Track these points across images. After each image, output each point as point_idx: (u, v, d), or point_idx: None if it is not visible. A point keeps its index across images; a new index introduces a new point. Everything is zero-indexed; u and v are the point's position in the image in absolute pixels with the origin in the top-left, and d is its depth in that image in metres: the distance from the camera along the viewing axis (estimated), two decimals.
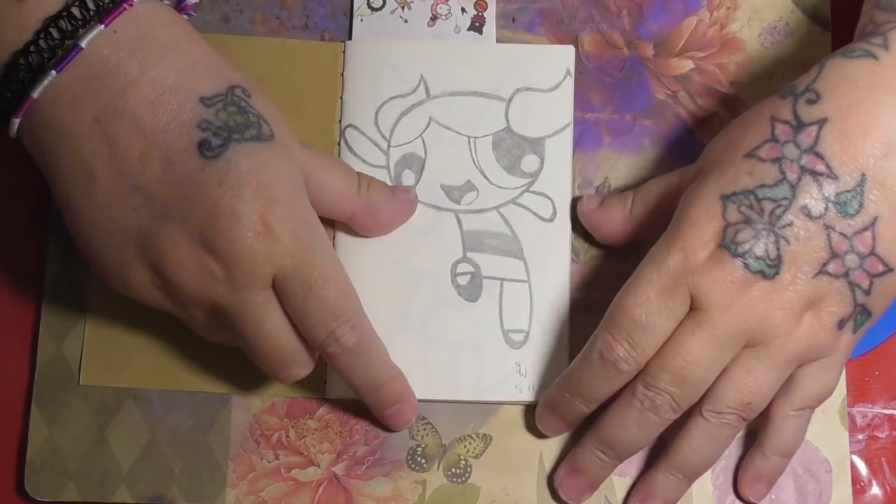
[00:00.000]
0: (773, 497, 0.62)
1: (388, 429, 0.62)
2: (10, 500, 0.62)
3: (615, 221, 0.62)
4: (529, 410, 0.62)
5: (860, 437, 0.63)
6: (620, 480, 0.61)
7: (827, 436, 0.62)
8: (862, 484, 0.63)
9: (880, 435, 0.63)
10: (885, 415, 0.63)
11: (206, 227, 0.54)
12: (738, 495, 0.61)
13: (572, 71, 0.66)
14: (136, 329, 0.63)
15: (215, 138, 0.55)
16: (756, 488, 0.61)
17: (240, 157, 0.55)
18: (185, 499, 0.61)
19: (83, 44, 0.54)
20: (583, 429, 0.60)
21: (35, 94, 0.55)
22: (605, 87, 0.66)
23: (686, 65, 0.67)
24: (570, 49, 0.66)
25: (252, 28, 0.67)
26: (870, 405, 0.64)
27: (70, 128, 0.55)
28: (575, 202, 0.64)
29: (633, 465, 0.62)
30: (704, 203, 0.56)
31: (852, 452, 0.63)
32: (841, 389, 0.62)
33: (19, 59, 0.55)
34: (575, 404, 0.59)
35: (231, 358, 0.62)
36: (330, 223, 0.63)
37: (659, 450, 0.60)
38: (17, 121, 0.56)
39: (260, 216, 0.54)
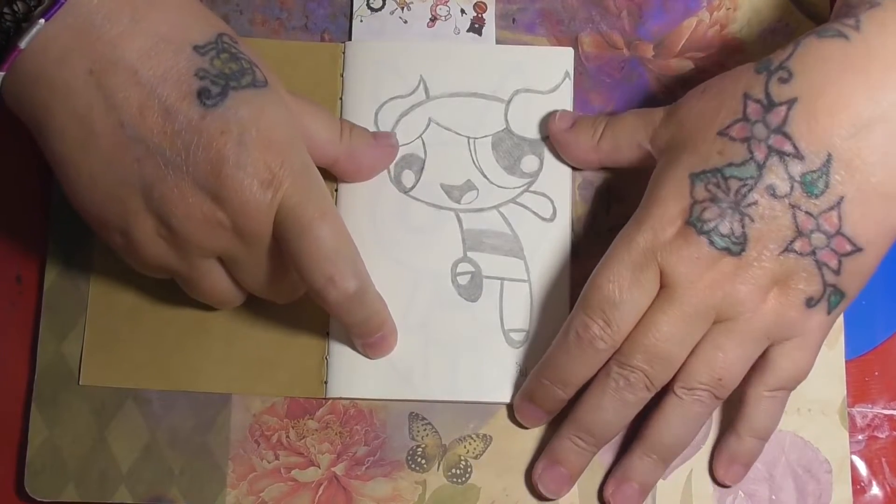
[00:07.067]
0: (773, 497, 0.62)
1: (368, 356, 0.62)
2: (10, 500, 0.62)
3: (582, 148, 0.63)
4: None
5: (860, 437, 0.63)
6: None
7: (827, 436, 0.62)
8: (862, 484, 0.63)
9: (880, 435, 0.63)
10: (885, 415, 0.63)
11: (212, 176, 0.54)
12: (714, 478, 0.61)
13: (571, 73, 0.66)
14: (136, 329, 0.63)
15: (214, 86, 0.54)
16: (732, 471, 0.61)
17: (239, 105, 0.55)
18: (184, 499, 0.61)
19: None
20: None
21: (22, 45, 0.53)
22: (605, 88, 0.66)
23: (686, 65, 0.67)
24: (569, 51, 0.66)
25: (252, 29, 0.67)
26: (870, 405, 0.64)
27: (62, 81, 0.54)
28: (575, 204, 0.64)
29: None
30: (674, 181, 0.57)
31: (852, 453, 0.63)
32: (841, 389, 0.62)
33: (3, 8, 0.53)
34: (553, 390, 0.60)
35: (231, 358, 0.62)
36: None
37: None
38: (1, 74, 0.54)
39: (264, 164, 0.55)
